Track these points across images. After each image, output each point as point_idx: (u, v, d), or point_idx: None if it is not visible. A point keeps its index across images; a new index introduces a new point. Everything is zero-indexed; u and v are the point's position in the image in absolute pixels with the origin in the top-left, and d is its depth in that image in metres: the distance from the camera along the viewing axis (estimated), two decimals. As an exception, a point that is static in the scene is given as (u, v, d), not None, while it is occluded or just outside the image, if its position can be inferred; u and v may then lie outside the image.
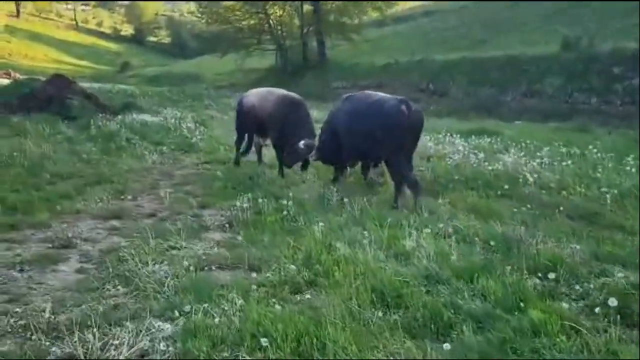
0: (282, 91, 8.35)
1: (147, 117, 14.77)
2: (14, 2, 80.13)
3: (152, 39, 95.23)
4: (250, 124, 8.54)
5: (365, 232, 4.75)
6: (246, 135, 8.91)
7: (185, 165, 9.32)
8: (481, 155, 8.59)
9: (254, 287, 3.81)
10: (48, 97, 15.07)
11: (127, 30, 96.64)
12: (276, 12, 34.25)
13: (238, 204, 5.86)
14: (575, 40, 19.06)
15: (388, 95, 6.79)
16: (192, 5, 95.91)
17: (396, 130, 6.20)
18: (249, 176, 7.69)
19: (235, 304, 3.49)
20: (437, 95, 22.51)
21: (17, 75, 35.67)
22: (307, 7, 33.67)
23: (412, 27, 38.78)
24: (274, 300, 3.63)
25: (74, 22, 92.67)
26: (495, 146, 10.34)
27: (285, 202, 5.90)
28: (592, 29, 20.20)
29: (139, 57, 73.02)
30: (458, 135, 11.55)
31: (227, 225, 5.53)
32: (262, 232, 5.20)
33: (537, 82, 18.84)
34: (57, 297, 3.74)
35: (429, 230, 4.70)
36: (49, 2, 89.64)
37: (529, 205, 5.85)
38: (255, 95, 8.66)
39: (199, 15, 38.06)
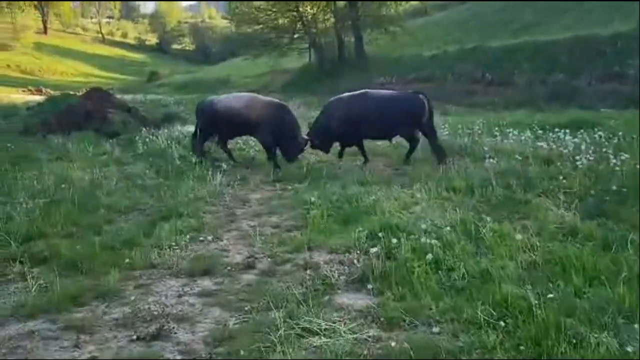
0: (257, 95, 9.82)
1: (192, 129, 13.41)
2: (41, 19, 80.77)
3: (176, 46, 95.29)
4: (223, 126, 9.20)
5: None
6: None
7: (256, 185, 7.87)
8: (625, 155, 6.90)
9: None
10: (86, 113, 13.89)
11: (152, 39, 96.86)
12: (308, 10, 32.76)
13: (355, 239, 4.41)
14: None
15: None
16: (214, 11, 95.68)
17: None
18: (350, 199, 6.16)
19: None
20: (496, 85, 20.68)
21: (49, 91, 35.18)
22: (340, 1, 32.09)
23: (450, 16, 36.89)
24: None
25: (100, 35, 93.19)
26: (614, 141, 8.63)
27: (423, 239, 4.40)
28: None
29: (164, 65, 72.63)
30: (556, 129, 9.90)
31: (358, 281, 4.04)
32: (415, 292, 3.70)
33: (616, 64, 16.87)
34: None
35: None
36: (74, 16, 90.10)
37: None
38: (236, 99, 9.49)
39: (229, 17, 36.82)
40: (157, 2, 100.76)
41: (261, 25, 32.86)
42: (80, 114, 13.90)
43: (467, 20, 32.76)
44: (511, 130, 10.34)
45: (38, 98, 24.30)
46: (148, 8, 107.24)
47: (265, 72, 37.86)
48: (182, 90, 38.56)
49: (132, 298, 3.77)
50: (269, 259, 4.63)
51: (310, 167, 8.71)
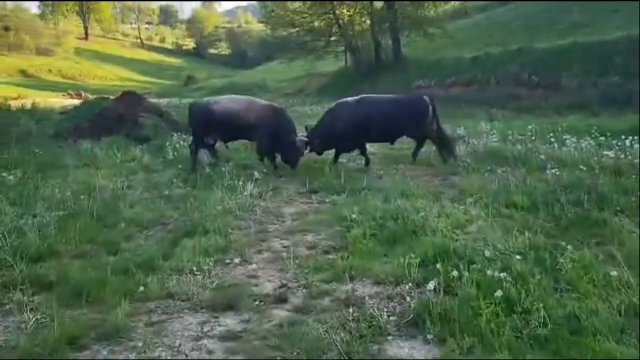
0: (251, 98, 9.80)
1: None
2: (82, 25, 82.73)
3: (213, 51, 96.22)
4: (220, 129, 8.89)
5: None
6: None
7: (289, 197, 7.22)
8: None
9: None
10: (119, 117, 13.56)
11: (189, 44, 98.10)
12: (345, 13, 32.09)
13: (404, 266, 3.71)
14: None
15: None
16: (250, 16, 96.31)
17: None
18: (395, 214, 5.44)
19: None
20: (543, 88, 19.48)
21: (88, 95, 35.58)
22: (377, 3, 31.29)
23: (491, 17, 35.56)
24: None
25: (139, 40, 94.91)
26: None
27: (489, 271, 3.65)
28: None
29: (201, 70, 73.24)
30: (623, 137, 8.95)
31: (412, 324, 3.32)
32: (486, 343, 2.96)
33: (679, 66, 15.58)
34: None
35: None
36: (114, 22, 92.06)
37: None
38: (234, 101, 9.24)
39: (264, 20, 36.52)
40: (194, 7, 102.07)
41: (297, 29, 32.35)
42: (113, 118, 13.58)
43: (510, 21, 31.45)
44: (568, 136, 9.43)
45: (76, 102, 24.36)
46: (186, 13, 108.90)
47: (300, 76, 37.35)
48: (218, 94, 38.41)
49: (140, 343, 3.14)
50: (303, 290, 3.96)
51: (348, 177, 8.02)
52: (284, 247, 5.02)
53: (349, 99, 9.36)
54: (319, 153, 9.29)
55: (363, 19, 32.35)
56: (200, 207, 6.35)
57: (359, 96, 9.35)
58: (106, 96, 18.84)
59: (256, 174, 8.39)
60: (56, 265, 4.36)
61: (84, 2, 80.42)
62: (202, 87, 49.48)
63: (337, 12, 31.45)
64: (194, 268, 4.30)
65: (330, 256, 4.71)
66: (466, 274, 3.67)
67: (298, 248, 4.98)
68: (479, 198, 6.10)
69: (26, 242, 4.82)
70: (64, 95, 41.96)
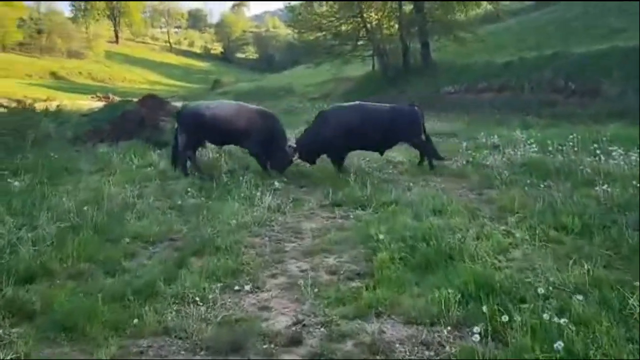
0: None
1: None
2: (113, 29, 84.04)
3: (240, 55, 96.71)
4: (210, 134, 8.74)
5: None
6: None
7: (310, 210, 6.65)
8: None
9: None
10: (140, 120, 13.24)
11: (217, 48, 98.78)
12: (373, 16, 31.47)
13: (441, 301, 3.12)
14: None
15: None
16: (277, 20, 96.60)
17: None
18: (428, 235, 4.82)
19: None
20: (580, 95, 18.52)
21: (116, 98, 35.76)
22: (407, 6, 30.59)
23: (523, 21, 34.49)
24: None
25: (168, 44, 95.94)
26: None
27: (545, 314, 3.02)
28: None
29: (228, 73, 73.52)
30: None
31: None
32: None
33: None
34: None
35: None
36: (144, 26, 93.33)
37: None
38: (225, 106, 9.23)
39: (291, 24, 36.14)
40: (222, 12, 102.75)
41: (324, 32, 31.85)
42: (134, 122, 13.28)
43: (544, 25, 30.36)
44: (616, 148, 8.65)
45: (101, 105, 24.34)
46: (214, 18, 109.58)
47: (327, 80, 36.86)
48: (244, 98, 37.97)
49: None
50: (322, 329, 3.38)
51: (374, 188, 7.42)
52: (302, 270, 4.46)
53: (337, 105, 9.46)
54: (308, 160, 8.99)
55: (391, 23, 31.67)
56: (213, 221, 5.84)
57: (349, 103, 9.30)
58: (129, 99, 18.65)
59: (276, 183, 7.88)
60: (44, 290, 3.87)
61: (115, 7, 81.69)
62: (228, 91, 49.40)
63: (365, 15, 30.85)
64: (197, 298, 3.75)
65: (353, 284, 4.13)
66: (517, 317, 3.04)
67: (317, 273, 4.41)
68: (522, 217, 5.44)
69: (18, 259, 4.37)
70: (92, 97, 42.37)
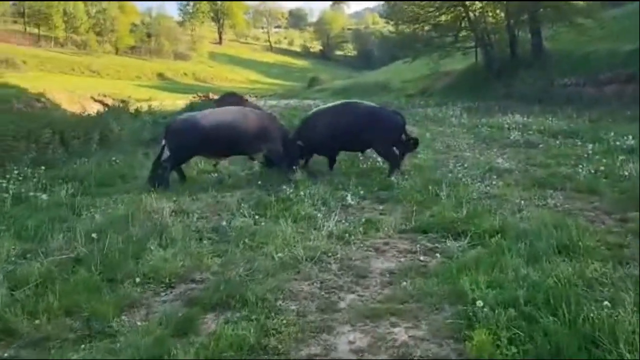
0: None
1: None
2: (217, 31, 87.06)
3: (339, 53, 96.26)
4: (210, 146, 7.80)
5: None
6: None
7: (386, 238, 5.09)
8: None
9: None
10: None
11: (316, 47, 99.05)
12: (476, 4, 28.86)
13: None
14: None
15: None
16: (377, 16, 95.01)
17: None
18: (555, 298, 3.12)
19: None
20: None
21: (215, 97, 36.15)
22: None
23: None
24: None
25: (268, 44, 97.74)
26: None
27: None
28: None
29: (326, 71, 73.15)
30: None
31: None
32: None
33: None
34: None
35: None
36: (247, 26, 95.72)
37: None
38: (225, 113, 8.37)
39: (386, 16, 34.36)
40: (322, 10, 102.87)
41: (421, 24, 29.75)
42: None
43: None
44: None
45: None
46: (314, 16, 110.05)
47: (425, 75, 34.70)
48: (339, 95, 37.04)
49: None
50: None
51: (472, 207, 5.70)
52: (354, 351, 2.96)
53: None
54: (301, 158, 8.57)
55: (497, 11, 28.85)
56: (255, 251, 4.51)
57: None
58: (214, 97, 18.06)
59: (349, 198, 6.41)
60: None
61: (219, 9, 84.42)
62: (325, 88, 48.73)
63: (467, 3, 28.32)
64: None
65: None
66: None
67: (377, 357, 2.88)
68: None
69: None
70: (193, 97, 43.41)
